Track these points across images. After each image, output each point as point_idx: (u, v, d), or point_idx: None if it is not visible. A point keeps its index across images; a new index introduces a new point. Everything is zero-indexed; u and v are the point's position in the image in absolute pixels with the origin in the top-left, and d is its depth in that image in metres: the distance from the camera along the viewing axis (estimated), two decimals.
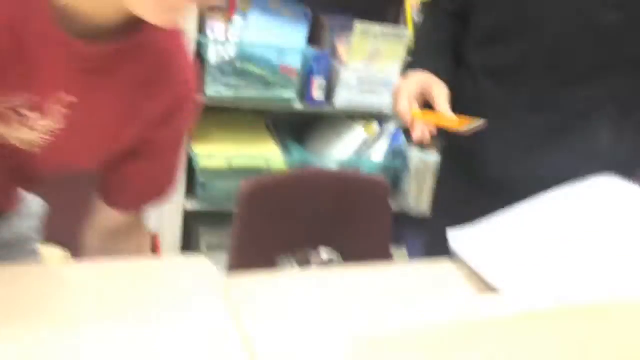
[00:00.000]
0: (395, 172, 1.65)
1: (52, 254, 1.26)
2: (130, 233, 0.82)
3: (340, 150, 1.61)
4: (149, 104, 0.69)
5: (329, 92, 1.54)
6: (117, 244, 0.81)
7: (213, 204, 1.54)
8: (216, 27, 1.45)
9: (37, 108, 0.64)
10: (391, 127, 1.64)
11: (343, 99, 1.53)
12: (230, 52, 1.43)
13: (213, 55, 1.43)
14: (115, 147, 0.72)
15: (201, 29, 1.44)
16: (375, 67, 1.52)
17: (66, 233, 1.02)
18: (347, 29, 1.51)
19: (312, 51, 1.51)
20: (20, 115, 0.65)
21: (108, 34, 0.61)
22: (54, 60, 0.62)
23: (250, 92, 1.48)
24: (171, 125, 0.72)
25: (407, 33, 1.52)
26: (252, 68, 1.45)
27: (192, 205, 1.54)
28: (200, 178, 1.51)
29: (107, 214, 0.79)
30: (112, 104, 0.67)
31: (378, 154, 1.62)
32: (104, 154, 0.72)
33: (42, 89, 0.64)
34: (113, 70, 0.65)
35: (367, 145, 1.61)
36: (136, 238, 0.83)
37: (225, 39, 1.45)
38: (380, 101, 1.55)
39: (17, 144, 0.67)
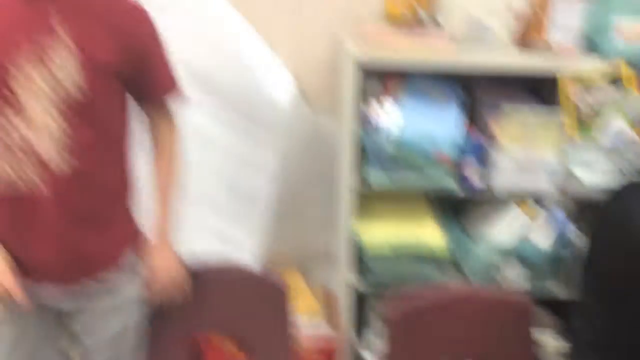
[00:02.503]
0: (562, 261, 1.55)
1: None
2: (162, 122, 1.18)
3: (501, 231, 1.56)
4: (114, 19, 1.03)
5: (485, 176, 1.51)
6: (156, 136, 1.19)
7: (380, 283, 1.56)
8: (372, 116, 1.50)
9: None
10: (554, 210, 1.55)
11: (500, 182, 1.50)
12: (386, 140, 1.46)
13: (371, 144, 1.48)
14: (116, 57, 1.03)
15: (359, 118, 1.49)
16: (531, 148, 1.47)
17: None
18: (501, 111, 1.48)
19: (466, 136, 1.49)
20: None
21: None
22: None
23: (408, 179, 1.50)
24: (139, 30, 1.08)
25: (562, 114, 1.46)
26: (407, 156, 1.48)
27: (361, 284, 1.59)
28: (366, 259, 1.55)
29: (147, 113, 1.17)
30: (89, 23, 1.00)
31: (543, 239, 1.54)
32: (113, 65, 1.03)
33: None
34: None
35: (527, 227, 1.55)
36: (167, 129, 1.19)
37: (381, 128, 1.48)
38: (538, 182, 1.50)
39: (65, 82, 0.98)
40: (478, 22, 1.48)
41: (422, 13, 1.44)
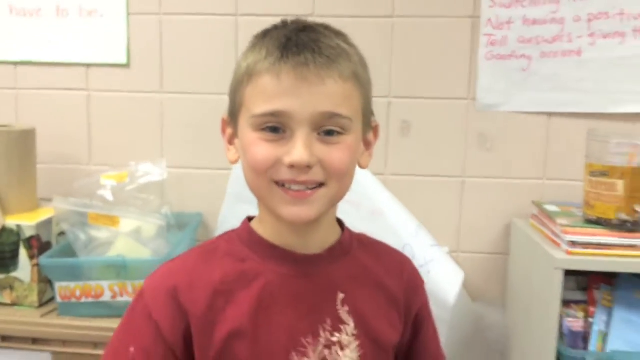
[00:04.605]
0: None
1: None
2: None
3: None
4: (392, 282, 0.83)
5: None
6: None
7: None
8: (575, 327, 1.28)
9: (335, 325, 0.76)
10: None
11: None
12: (595, 359, 1.21)
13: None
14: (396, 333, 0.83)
15: (559, 331, 1.25)
16: None
17: None
18: None
19: None
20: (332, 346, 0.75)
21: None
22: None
23: None
24: (418, 295, 0.87)
25: None
26: None
27: None
28: None
29: None
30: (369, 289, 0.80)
31: None
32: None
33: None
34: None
35: None
36: None
37: (586, 343, 1.27)
38: None
39: None
40: None
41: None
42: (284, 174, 0.69)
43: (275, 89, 0.68)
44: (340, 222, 0.85)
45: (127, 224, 1.34)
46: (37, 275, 1.33)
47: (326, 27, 0.75)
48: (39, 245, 1.33)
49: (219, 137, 1.76)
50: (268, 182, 0.71)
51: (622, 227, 1.24)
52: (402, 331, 0.84)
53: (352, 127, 0.72)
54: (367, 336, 0.77)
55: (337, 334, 0.75)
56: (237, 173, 1.58)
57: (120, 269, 1.26)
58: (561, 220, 1.30)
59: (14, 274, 1.33)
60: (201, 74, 1.61)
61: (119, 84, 1.63)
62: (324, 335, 0.74)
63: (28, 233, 1.32)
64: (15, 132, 1.42)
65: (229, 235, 0.80)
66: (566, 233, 1.25)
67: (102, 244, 1.33)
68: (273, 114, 0.69)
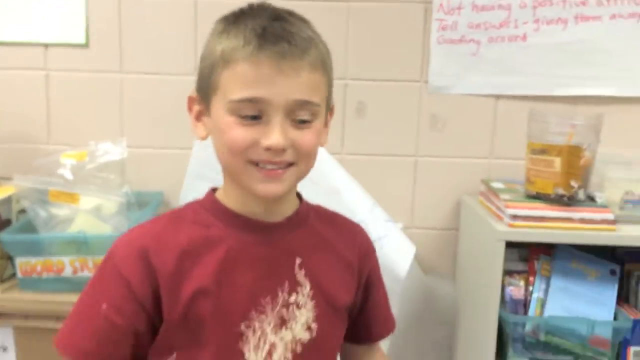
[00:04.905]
0: None
1: None
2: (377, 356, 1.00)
3: None
4: (346, 249, 0.89)
5: None
6: None
7: None
8: (516, 295, 1.37)
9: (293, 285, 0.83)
10: None
11: None
12: (533, 324, 1.33)
13: (514, 327, 1.33)
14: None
15: (502, 298, 1.34)
16: None
17: None
18: None
19: (625, 318, 1.33)
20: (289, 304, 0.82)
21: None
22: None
23: None
24: (369, 260, 0.93)
25: None
26: (558, 341, 1.33)
27: None
28: None
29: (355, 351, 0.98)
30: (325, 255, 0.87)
31: None
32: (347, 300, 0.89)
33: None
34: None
35: None
36: None
37: (525, 309, 1.36)
38: None
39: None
40: (638, 198, 1.35)
41: (579, 191, 1.31)
42: (260, 155, 0.75)
43: (253, 77, 0.73)
44: (298, 195, 0.91)
45: (87, 202, 1.37)
46: None
47: (292, 14, 0.80)
48: None
49: (179, 117, 1.78)
50: (243, 161, 0.76)
51: (559, 201, 1.33)
52: (355, 294, 0.90)
53: (320, 112, 0.79)
54: (322, 297, 0.83)
55: (294, 295, 0.81)
56: (198, 153, 1.61)
57: (81, 245, 1.29)
58: (504, 196, 1.39)
59: None
60: (160, 54, 1.63)
61: (78, 63, 1.64)
62: (281, 296, 0.81)
63: None
64: None
65: (193, 205, 0.85)
66: (508, 207, 1.33)
67: (62, 220, 1.35)
68: (251, 100, 0.74)
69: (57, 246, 1.29)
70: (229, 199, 0.83)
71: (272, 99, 0.74)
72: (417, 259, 1.66)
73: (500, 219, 1.35)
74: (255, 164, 0.76)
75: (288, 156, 0.77)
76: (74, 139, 1.61)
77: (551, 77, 1.57)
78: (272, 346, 0.80)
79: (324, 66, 0.79)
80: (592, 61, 1.55)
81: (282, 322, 0.81)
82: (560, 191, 1.33)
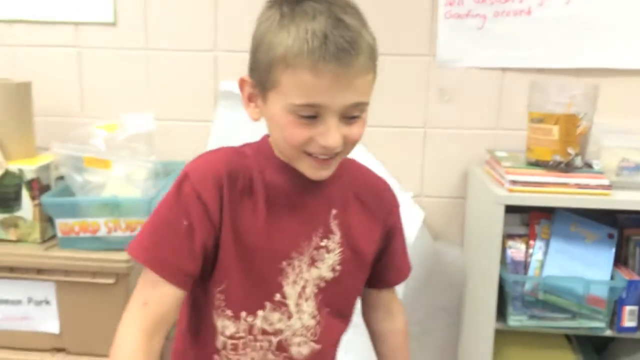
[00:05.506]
0: None
1: None
2: (393, 303, 1.09)
3: None
4: (375, 203, 0.98)
5: None
6: (385, 316, 1.08)
7: None
8: (516, 257, 1.46)
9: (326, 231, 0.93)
10: None
11: None
12: (532, 284, 1.41)
13: (514, 287, 1.42)
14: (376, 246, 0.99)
15: (503, 260, 1.44)
16: None
17: None
18: None
19: (621, 278, 1.41)
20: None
21: None
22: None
23: (554, 322, 1.44)
24: (392, 215, 1.01)
25: None
26: (555, 300, 1.42)
27: None
28: None
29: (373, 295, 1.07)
30: (355, 207, 0.96)
31: None
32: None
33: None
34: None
35: None
36: (398, 308, 1.09)
37: (526, 270, 1.44)
38: None
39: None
40: (634, 165, 1.42)
41: (576, 158, 1.39)
42: (315, 149, 0.84)
43: (314, 86, 0.80)
44: None
45: (118, 169, 1.49)
46: (39, 214, 1.47)
47: (346, 9, 0.82)
48: (39, 187, 1.48)
49: (201, 91, 1.88)
50: (299, 152, 0.86)
51: (557, 167, 1.41)
52: (378, 244, 1.00)
53: (368, 104, 0.87)
54: (348, 245, 0.94)
55: (325, 240, 0.93)
56: (217, 127, 1.72)
57: (113, 207, 1.41)
58: (506, 163, 1.47)
59: (17, 213, 1.47)
60: (183, 31, 1.73)
61: (107, 41, 1.75)
62: (315, 240, 0.92)
63: (29, 176, 1.46)
64: (12, 85, 1.55)
65: (252, 146, 0.94)
66: (508, 173, 1.41)
67: (96, 186, 1.47)
68: (310, 105, 0.82)
69: (93, 208, 1.42)
70: (281, 154, 0.91)
71: (329, 104, 0.81)
72: (427, 226, 1.76)
73: (501, 184, 1.44)
74: (309, 153, 0.85)
75: (338, 148, 0.85)
76: (105, 112, 1.73)
77: (554, 49, 1.63)
78: (305, 282, 0.92)
79: (373, 64, 0.85)
80: (593, 34, 1.61)
81: (312, 262, 0.92)
82: (558, 158, 1.40)
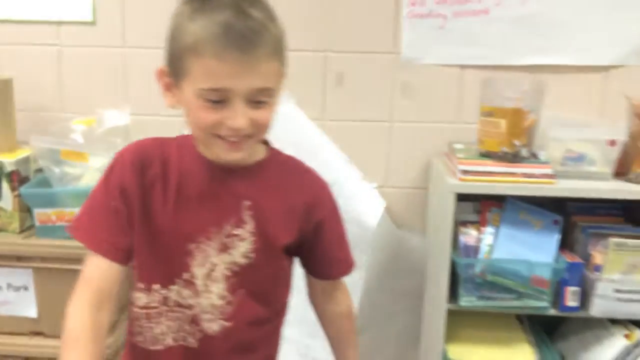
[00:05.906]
0: None
1: None
2: (336, 291, 1.14)
3: (598, 356, 1.55)
4: (295, 196, 1.02)
5: (584, 299, 1.51)
6: (329, 300, 1.14)
7: None
8: (469, 242, 1.56)
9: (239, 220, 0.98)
10: None
11: (599, 307, 1.49)
12: (481, 266, 1.50)
13: (465, 269, 1.51)
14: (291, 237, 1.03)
15: (454, 244, 1.54)
16: (633, 277, 1.47)
17: None
18: (602, 237, 1.50)
19: (564, 262, 1.50)
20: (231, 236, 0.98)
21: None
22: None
23: (502, 302, 1.53)
24: (320, 208, 1.04)
25: None
26: (502, 281, 1.50)
27: None
28: None
29: (316, 282, 1.12)
30: (272, 200, 1.00)
31: None
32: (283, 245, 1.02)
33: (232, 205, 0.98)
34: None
35: (628, 352, 1.52)
36: (342, 294, 1.15)
37: (476, 254, 1.54)
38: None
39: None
40: (577, 155, 1.51)
41: (523, 149, 1.48)
42: (224, 131, 0.91)
43: (219, 71, 0.87)
44: (267, 143, 1.05)
45: (96, 161, 1.58)
46: (19, 204, 1.56)
47: (254, 5, 0.89)
48: (18, 179, 1.56)
49: None
50: (209, 134, 0.93)
51: (504, 158, 1.50)
52: (297, 236, 1.04)
53: (276, 91, 0.94)
54: (261, 235, 1.00)
55: (238, 229, 0.99)
56: None
57: None
58: (460, 155, 1.56)
59: None
60: (159, 30, 1.80)
61: (86, 39, 1.83)
62: (226, 228, 0.99)
63: (9, 168, 1.55)
64: None
65: (180, 138, 1.03)
66: (460, 164, 1.51)
67: (74, 177, 1.56)
68: (216, 90, 0.89)
69: (69, 199, 1.51)
70: (199, 145, 0.99)
71: (234, 88, 0.88)
72: (391, 215, 1.85)
73: (454, 174, 1.53)
74: (220, 137, 0.92)
75: (247, 131, 0.92)
76: (84, 108, 1.81)
77: (509, 48, 1.72)
78: (213, 265, 0.99)
79: (279, 52, 0.93)
80: (545, 33, 1.70)
81: (225, 248, 0.98)
82: (505, 149, 1.50)
